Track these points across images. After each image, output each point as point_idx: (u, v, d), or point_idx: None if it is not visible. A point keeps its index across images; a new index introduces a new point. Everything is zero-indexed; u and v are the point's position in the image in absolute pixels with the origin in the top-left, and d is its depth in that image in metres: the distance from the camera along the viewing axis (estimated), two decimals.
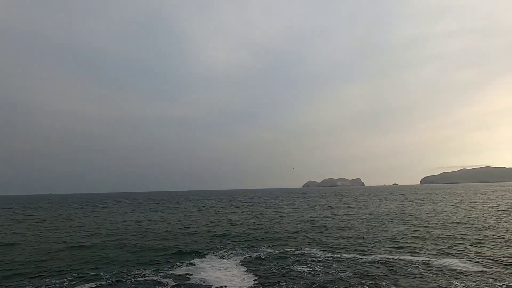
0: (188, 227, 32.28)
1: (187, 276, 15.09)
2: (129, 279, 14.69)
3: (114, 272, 15.90)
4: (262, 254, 19.03)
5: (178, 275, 15.23)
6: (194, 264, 17.17)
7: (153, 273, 15.66)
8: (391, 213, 41.82)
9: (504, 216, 35.07)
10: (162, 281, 14.35)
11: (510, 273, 14.03)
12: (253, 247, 21.45)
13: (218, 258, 18.60)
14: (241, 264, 16.99)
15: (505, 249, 18.75)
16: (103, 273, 15.72)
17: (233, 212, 50.03)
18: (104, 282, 14.36)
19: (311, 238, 24.19)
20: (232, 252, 20.08)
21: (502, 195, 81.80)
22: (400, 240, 22.28)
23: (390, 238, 23.22)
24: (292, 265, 16.46)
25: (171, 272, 15.82)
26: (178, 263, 17.46)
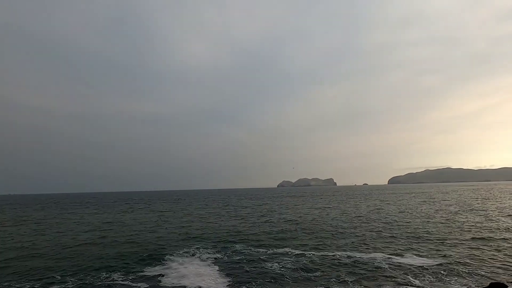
0: (160, 228, 31.71)
1: (159, 277, 14.96)
2: (97, 284, 14.26)
3: (80, 276, 15.35)
4: (235, 254, 19.27)
5: (150, 277, 15.06)
6: (166, 266, 17.03)
7: (122, 276, 15.30)
8: (361, 212, 43.77)
9: (465, 217, 38.03)
10: (132, 284, 14.10)
11: (465, 269, 15.38)
12: (227, 247, 21.61)
13: (190, 258, 18.55)
14: (214, 264, 17.11)
15: (461, 246, 20.50)
16: (69, 278, 15.11)
17: (207, 213, 49.74)
18: (71, 287, 13.87)
19: (284, 238, 24.80)
20: (205, 252, 20.11)
21: (462, 194, 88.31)
22: (368, 239, 23.47)
23: (360, 237, 24.40)
24: (265, 264, 16.83)
25: (142, 274, 15.60)
26: (149, 265, 17.22)
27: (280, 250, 20.08)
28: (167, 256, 19.08)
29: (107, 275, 15.42)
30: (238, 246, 21.63)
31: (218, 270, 15.93)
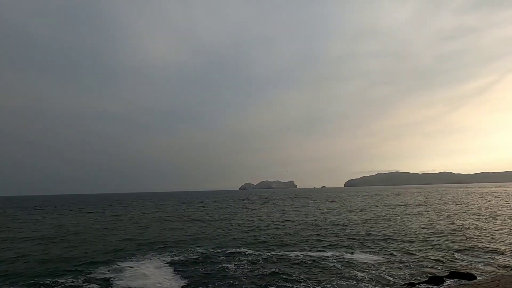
0: (112, 233, 30.24)
1: (110, 280, 14.47)
2: None
3: (22, 284, 14.24)
4: (193, 256, 19.23)
5: (99, 280, 14.49)
6: (119, 269, 16.45)
7: (70, 280, 14.50)
8: (319, 214, 45.96)
9: (413, 216, 41.88)
10: (82, 285, 13.51)
11: (408, 265, 17.15)
12: (184, 250, 21.42)
13: (145, 262, 18.12)
14: (170, 266, 16.96)
15: (405, 243, 22.73)
16: (7, 287, 13.95)
17: (165, 216, 48.37)
18: None
19: (242, 239, 25.26)
20: (162, 256, 19.75)
21: (408, 196, 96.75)
22: (323, 239, 24.86)
23: (315, 236, 25.76)
24: (223, 265, 17.10)
25: (91, 277, 14.93)
26: (100, 270, 16.48)
27: (238, 251, 20.48)
28: (120, 261, 18.41)
29: (53, 281, 14.53)
30: (196, 249, 21.56)
31: (174, 272, 15.85)
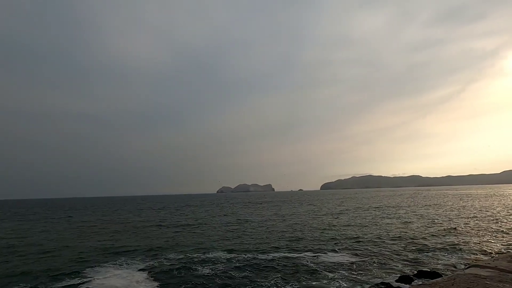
0: (83, 239, 28.72)
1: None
2: None
3: None
4: (166, 263, 18.68)
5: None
6: (88, 278, 15.60)
7: None
8: (295, 216, 46.49)
9: (387, 217, 43.44)
10: None
11: (379, 265, 17.74)
12: (158, 256, 20.73)
13: (116, 270, 17.34)
14: (143, 271, 16.39)
15: (378, 243, 23.50)
16: None
17: (139, 221, 46.74)
18: None
19: (218, 243, 24.95)
20: (133, 262, 19.02)
21: (382, 199, 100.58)
22: (300, 241, 25.15)
23: (292, 239, 25.97)
24: (197, 270, 16.76)
25: (62, 284, 14.05)
26: (66, 282, 15.53)
27: (214, 255, 20.18)
28: (88, 270, 17.44)
29: None
30: (171, 255, 20.95)
31: (146, 279, 15.30)
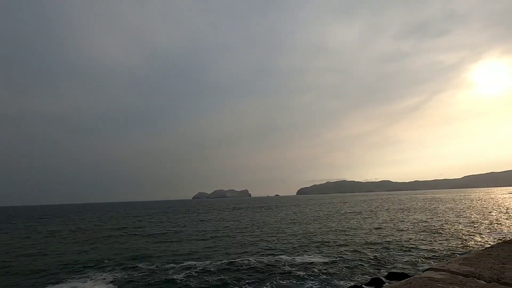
0: (46, 251, 26.81)
1: None
2: None
3: None
4: (136, 272, 17.88)
5: None
6: None
7: None
8: (274, 222, 46.59)
9: (360, 220, 44.66)
10: None
11: (352, 267, 18.14)
12: (127, 266, 19.79)
13: (84, 281, 16.33)
14: (112, 284, 15.56)
15: (351, 246, 24.08)
16: None
17: (108, 230, 44.57)
18: None
19: (193, 249, 24.35)
20: (102, 274, 18.01)
21: (356, 204, 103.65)
22: (277, 245, 25.18)
23: (270, 243, 25.98)
24: (170, 277, 16.24)
25: None
26: None
27: (189, 263, 19.64)
28: (51, 286, 16.26)
29: None
30: (142, 264, 20.09)
31: None
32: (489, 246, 6.33)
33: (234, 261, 19.28)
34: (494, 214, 43.81)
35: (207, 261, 19.89)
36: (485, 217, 40.79)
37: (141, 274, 17.36)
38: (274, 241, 27.41)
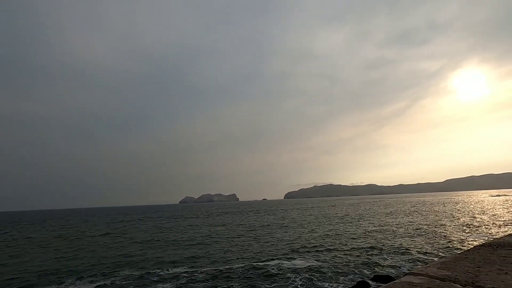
0: (24, 258, 25.74)
1: None
2: None
3: None
4: (119, 280, 17.43)
5: None
6: None
7: None
8: (262, 228, 46.49)
9: (347, 224, 45.16)
10: None
11: (339, 270, 18.31)
12: (110, 274, 19.28)
13: None
14: None
15: (338, 250, 24.31)
16: None
17: (91, 236, 43.27)
18: None
19: (180, 256, 23.98)
20: (84, 282, 17.47)
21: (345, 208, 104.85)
22: (266, 250, 25.12)
23: (258, 248, 25.91)
24: (154, 286, 15.91)
25: None
26: None
27: (176, 270, 19.32)
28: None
29: None
30: (125, 272, 19.60)
31: None
32: (466, 249, 6.57)
33: (222, 268, 19.10)
34: (478, 217, 45.32)
35: (195, 268, 19.62)
36: (471, 220, 42.12)
37: (125, 283, 16.91)
38: (262, 245, 27.37)
